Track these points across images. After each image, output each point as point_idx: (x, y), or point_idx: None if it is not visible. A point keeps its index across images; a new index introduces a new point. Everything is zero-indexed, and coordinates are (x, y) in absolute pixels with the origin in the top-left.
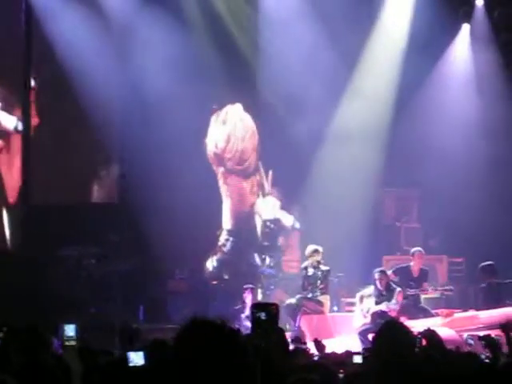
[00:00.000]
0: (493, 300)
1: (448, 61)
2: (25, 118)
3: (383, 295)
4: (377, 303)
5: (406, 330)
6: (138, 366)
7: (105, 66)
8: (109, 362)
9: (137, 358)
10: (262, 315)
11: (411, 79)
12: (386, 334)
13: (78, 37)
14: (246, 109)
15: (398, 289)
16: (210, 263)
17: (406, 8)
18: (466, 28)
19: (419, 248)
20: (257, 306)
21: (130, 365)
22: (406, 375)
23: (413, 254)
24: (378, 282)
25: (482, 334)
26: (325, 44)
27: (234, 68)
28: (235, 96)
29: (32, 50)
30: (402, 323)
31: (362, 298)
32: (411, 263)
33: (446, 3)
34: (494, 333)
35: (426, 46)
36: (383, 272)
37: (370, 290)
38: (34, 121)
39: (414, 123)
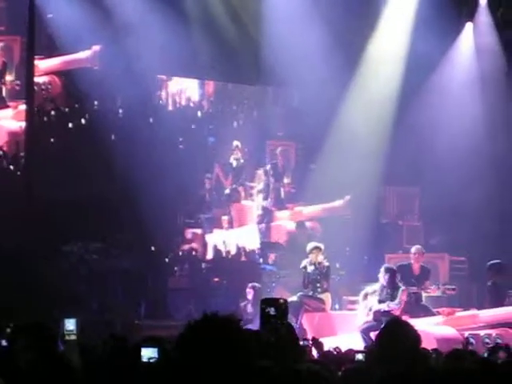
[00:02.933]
0: (498, 299)
1: (451, 59)
2: (29, 111)
3: (387, 293)
4: (380, 301)
5: (409, 328)
6: (152, 362)
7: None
8: (116, 357)
9: (148, 354)
10: (272, 310)
11: (414, 77)
12: (389, 332)
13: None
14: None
15: (403, 287)
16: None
17: (408, 7)
18: (469, 27)
19: (418, 246)
20: (266, 302)
21: (143, 360)
22: (410, 374)
23: (412, 252)
24: (382, 277)
25: (482, 332)
26: (328, 45)
27: (238, 64)
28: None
29: (34, 43)
30: (405, 321)
31: (366, 295)
32: (411, 261)
33: (449, 2)
34: (494, 332)
35: (429, 44)
36: (388, 269)
37: (375, 287)
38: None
39: (417, 121)
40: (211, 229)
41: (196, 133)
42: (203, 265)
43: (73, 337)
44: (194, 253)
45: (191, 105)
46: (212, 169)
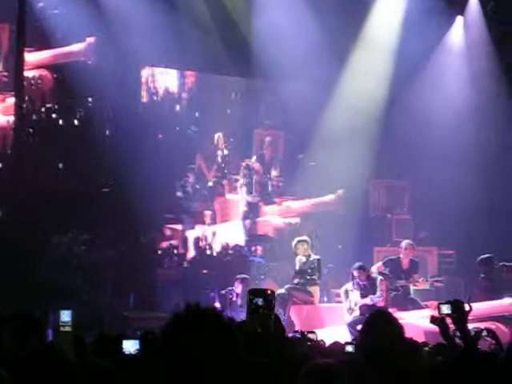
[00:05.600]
0: (488, 292)
1: (441, 53)
2: (18, 106)
3: (366, 287)
4: (362, 296)
5: (392, 320)
6: (132, 354)
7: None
8: (99, 349)
9: (130, 346)
10: (260, 301)
11: (404, 70)
12: (373, 325)
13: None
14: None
15: (379, 277)
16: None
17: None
18: (459, 20)
19: (409, 241)
20: (254, 292)
21: (125, 353)
22: (393, 366)
23: (402, 247)
24: (358, 279)
25: (471, 326)
26: (318, 32)
27: (228, 55)
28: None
29: (24, 32)
30: (388, 313)
31: (346, 292)
32: (401, 255)
33: None
34: (483, 325)
35: (420, 37)
36: (361, 268)
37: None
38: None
39: (406, 114)
40: (193, 224)
41: (177, 122)
42: (192, 256)
43: (67, 328)
44: (174, 251)
45: (171, 94)
46: (194, 160)
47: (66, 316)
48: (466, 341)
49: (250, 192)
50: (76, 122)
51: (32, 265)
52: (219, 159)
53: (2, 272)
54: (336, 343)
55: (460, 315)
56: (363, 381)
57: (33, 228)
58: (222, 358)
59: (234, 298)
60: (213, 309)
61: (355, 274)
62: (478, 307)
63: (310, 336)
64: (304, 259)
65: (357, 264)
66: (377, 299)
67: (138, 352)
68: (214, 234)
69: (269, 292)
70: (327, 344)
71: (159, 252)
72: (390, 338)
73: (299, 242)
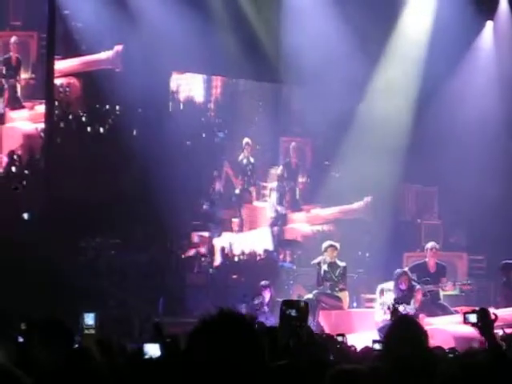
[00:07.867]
0: (510, 298)
1: (471, 57)
2: (48, 113)
3: (404, 293)
4: (396, 300)
5: (416, 327)
6: (154, 358)
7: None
8: (125, 354)
9: (152, 350)
10: (292, 312)
11: (434, 76)
12: (396, 331)
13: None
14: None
15: (417, 286)
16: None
17: (429, 3)
18: (489, 25)
19: (432, 243)
20: (287, 303)
21: (146, 357)
22: (417, 373)
23: (426, 250)
24: (401, 284)
25: (501, 332)
26: (347, 38)
27: (255, 61)
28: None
29: (54, 40)
30: (413, 320)
31: (382, 291)
32: (426, 259)
33: (469, 0)
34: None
35: (450, 42)
36: (406, 273)
37: (390, 285)
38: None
39: (436, 120)
40: (220, 232)
41: (204, 129)
42: (219, 263)
43: (92, 331)
44: (202, 258)
45: (198, 101)
46: (221, 167)
47: (89, 319)
48: (495, 349)
49: (280, 200)
50: (104, 129)
51: (61, 269)
52: (246, 166)
53: (31, 276)
54: (366, 348)
55: (486, 324)
56: None
57: (62, 232)
58: (249, 363)
59: (264, 307)
60: (246, 315)
61: (399, 279)
62: (507, 312)
63: (339, 339)
64: (326, 266)
65: (401, 270)
66: (409, 310)
67: (160, 356)
68: (242, 240)
69: (302, 304)
70: (358, 349)
71: (188, 258)
72: (413, 344)
73: (331, 246)
